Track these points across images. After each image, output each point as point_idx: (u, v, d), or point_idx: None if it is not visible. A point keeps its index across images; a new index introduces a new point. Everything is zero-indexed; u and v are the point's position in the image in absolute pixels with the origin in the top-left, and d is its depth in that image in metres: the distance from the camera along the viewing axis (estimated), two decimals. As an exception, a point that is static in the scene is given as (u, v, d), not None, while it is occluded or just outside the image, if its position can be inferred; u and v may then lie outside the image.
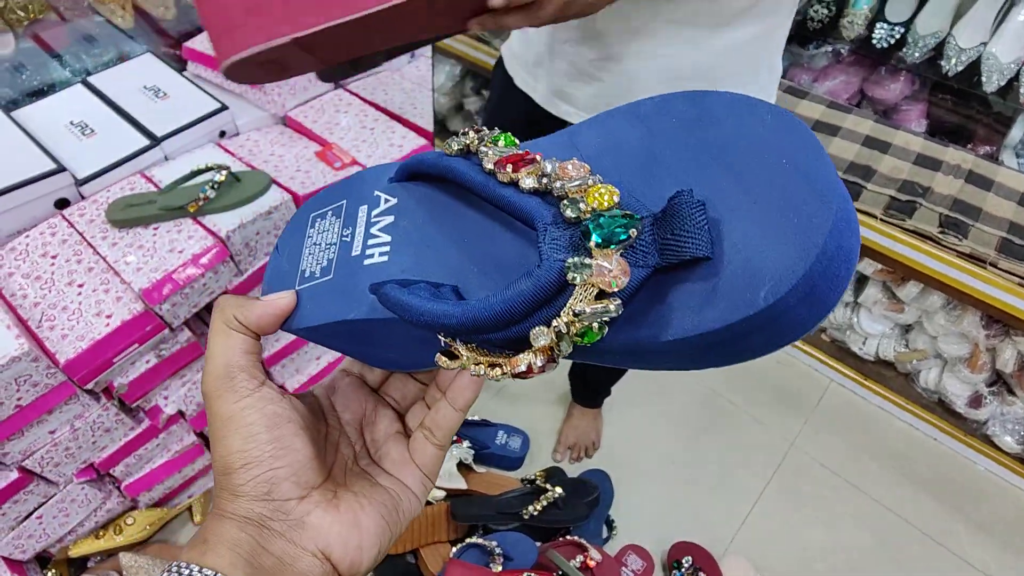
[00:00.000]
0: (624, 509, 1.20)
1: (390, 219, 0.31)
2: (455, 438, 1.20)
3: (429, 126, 1.09)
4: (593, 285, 0.22)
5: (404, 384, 0.35)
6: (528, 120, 0.86)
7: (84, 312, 0.82)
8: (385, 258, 0.29)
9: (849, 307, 1.41)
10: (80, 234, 0.89)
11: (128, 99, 1.04)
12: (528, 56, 0.81)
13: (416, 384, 0.35)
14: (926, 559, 1.18)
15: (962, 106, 1.41)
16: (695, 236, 0.22)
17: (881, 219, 1.18)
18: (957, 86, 1.36)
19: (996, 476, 1.31)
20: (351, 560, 0.28)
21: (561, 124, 0.79)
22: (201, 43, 1.14)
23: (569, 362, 1.27)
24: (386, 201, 0.32)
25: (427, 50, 1.30)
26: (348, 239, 0.31)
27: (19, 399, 0.76)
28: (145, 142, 0.98)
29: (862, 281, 1.35)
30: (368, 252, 0.30)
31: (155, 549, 1.05)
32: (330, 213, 0.33)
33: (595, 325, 0.22)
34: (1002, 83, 1.23)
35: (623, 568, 1.07)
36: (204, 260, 0.87)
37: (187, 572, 0.24)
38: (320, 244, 0.32)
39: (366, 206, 0.32)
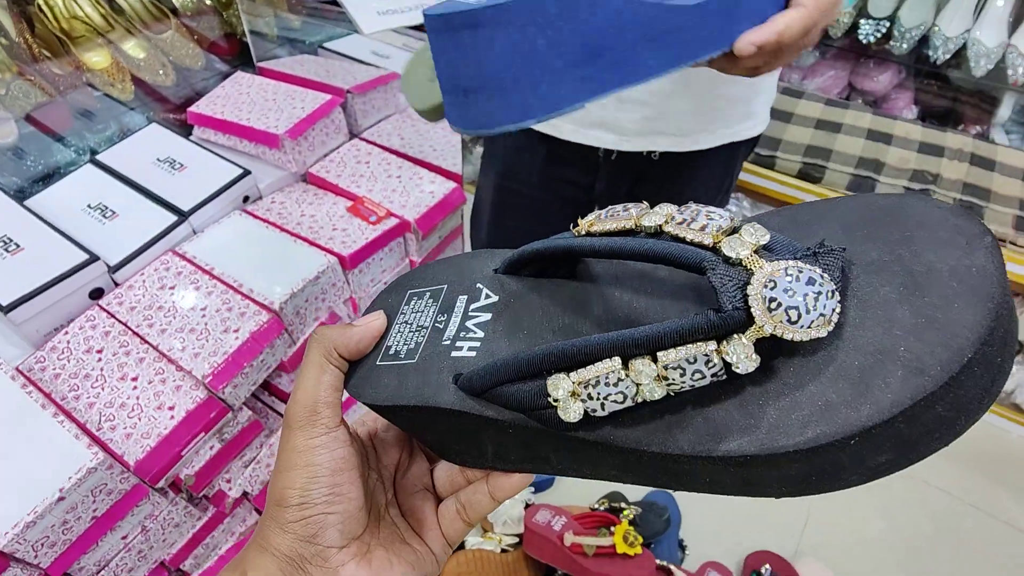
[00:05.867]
0: (690, 527, 1.20)
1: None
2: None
3: (456, 168, 1.08)
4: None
5: None
6: (550, 157, 0.86)
7: (144, 407, 0.78)
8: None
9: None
10: (123, 324, 0.85)
11: (144, 174, 1.00)
12: None
13: None
14: (982, 534, 1.21)
15: (948, 90, 1.47)
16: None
17: (899, 209, 1.21)
18: (944, 73, 1.41)
19: (1029, 442, 1.35)
20: None
21: (589, 150, 0.80)
22: (206, 106, 1.10)
23: None
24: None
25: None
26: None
27: (95, 510, 0.72)
28: (172, 218, 0.94)
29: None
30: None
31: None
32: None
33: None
34: (989, 67, 1.29)
35: (702, 585, 1.07)
36: (262, 337, 0.84)
37: None
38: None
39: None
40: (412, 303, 0.33)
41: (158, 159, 1.03)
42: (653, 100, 0.74)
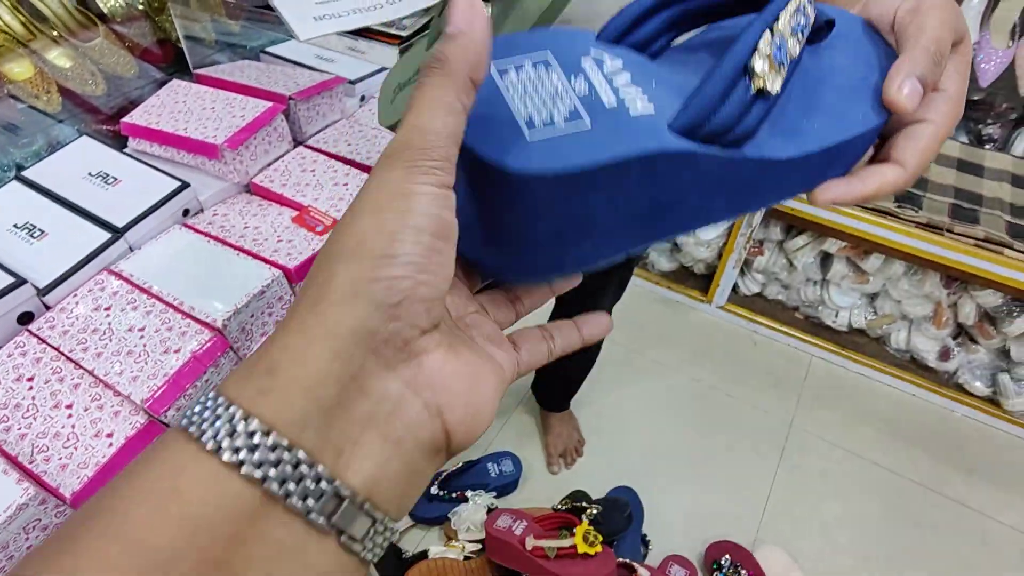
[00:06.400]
0: (651, 521, 1.21)
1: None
2: (475, 490, 1.18)
3: (404, 174, 1.06)
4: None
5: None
6: None
7: (81, 435, 0.74)
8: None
9: (818, 284, 1.48)
10: (55, 349, 0.81)
11: (75, 190, 0.96)
12: None
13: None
14: (932, 512, 1.25)
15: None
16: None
17: (842, 201, 1.24)
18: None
19: (972, 420, 1.41)
20: (467, 426, 0.22)
21: None
22: (140, 116, 1.06)
23: (531, 373, 1.30)
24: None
25: (376, 92, 1.27)
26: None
27: (29, 548, 0.68)
28: (106, 235, 0.90)
29: (828, 259, 1.42)
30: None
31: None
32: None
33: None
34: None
35: (665, 579, 1.08)
36: (204, 356, 0.81)
37: (225, 420, 0.18)
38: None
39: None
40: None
41: (90, 174, 0.99)
42: None
